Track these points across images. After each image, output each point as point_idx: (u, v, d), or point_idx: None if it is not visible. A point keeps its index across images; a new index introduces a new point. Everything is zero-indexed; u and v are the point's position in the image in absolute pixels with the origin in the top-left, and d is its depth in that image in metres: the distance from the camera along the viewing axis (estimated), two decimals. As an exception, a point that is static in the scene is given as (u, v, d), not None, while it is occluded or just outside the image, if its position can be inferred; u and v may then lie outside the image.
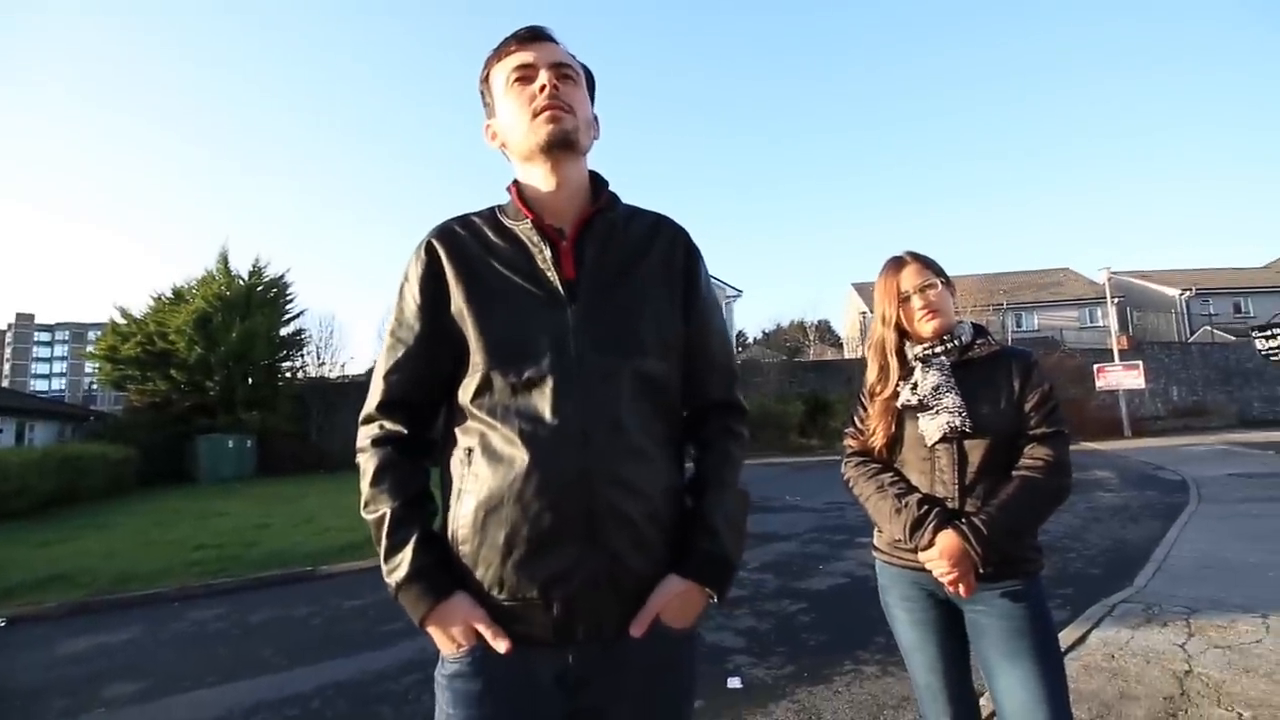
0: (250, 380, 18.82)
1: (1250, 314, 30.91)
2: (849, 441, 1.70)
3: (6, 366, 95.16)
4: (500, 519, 0.90)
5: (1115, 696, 2.74)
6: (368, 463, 1.00)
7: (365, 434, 1.02)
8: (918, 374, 1.55)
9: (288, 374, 20.74)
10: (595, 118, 1.09)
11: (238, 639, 4.42)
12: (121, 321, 19.73)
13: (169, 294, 20.11)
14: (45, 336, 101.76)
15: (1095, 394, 19.97)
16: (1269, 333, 14.15)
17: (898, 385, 1.56)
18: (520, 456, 0.90)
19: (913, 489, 1.51)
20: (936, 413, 1.48)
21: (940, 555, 1.39)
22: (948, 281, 1.59)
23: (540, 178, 1.02)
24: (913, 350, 1.58)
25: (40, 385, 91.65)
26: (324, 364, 22.55)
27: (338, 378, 22.47)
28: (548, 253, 0.98)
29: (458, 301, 0.98)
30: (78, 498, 12.16)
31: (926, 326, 1.55)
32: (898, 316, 1.58)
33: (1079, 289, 33.62)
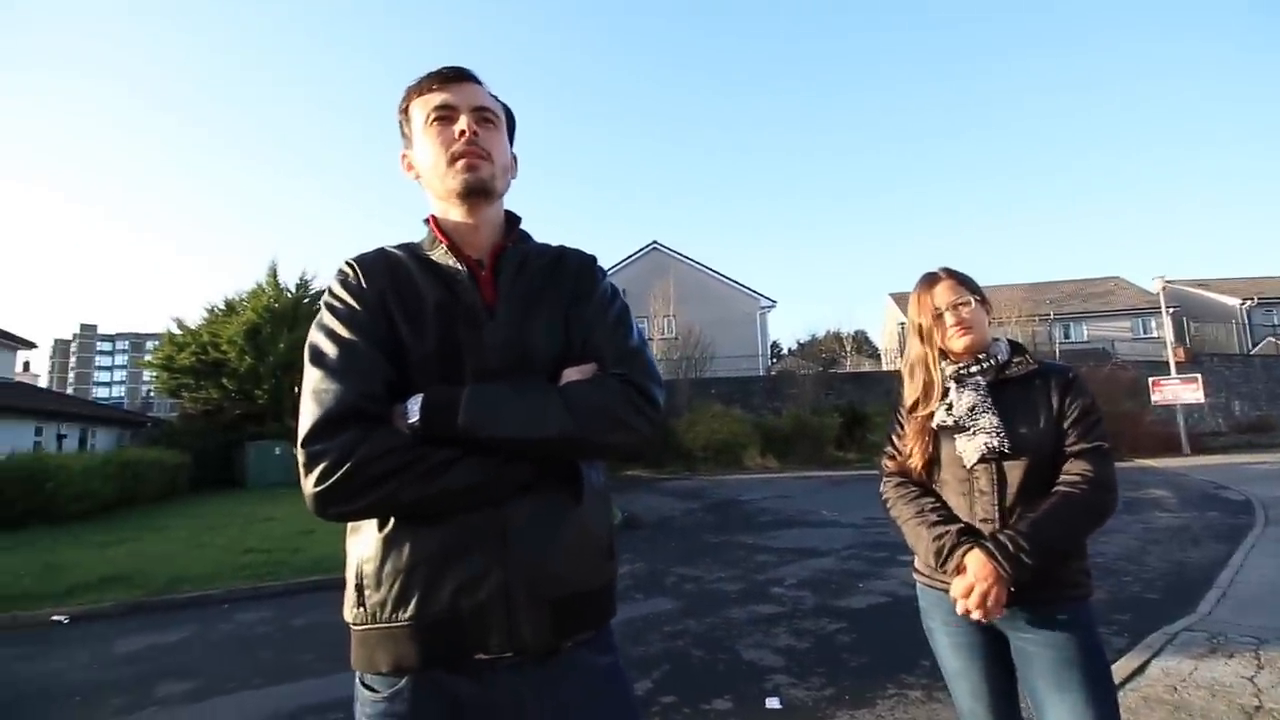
0: (297, 389, 19.34)
1: (1320, 324, 29.19)
2: (887, 462, 1.67)
3: (71, 375, 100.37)
4: (406, 533, 0.89)
5: (1180, 732, 2.59)
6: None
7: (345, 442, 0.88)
8: (953, 394, 1.52)
9: (331, 383, 21.27)
10: (514, 158, 1.13)
11: (282, 642, 4.53)
12: (177, 332, 20.66)
13: (221, 306, 20.98)
14: (106, 346, 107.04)
15: (1151, 409, 19.06)
16: (1342, 345, 13.33)
17: (934, 405, 1.54)
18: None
19: (953, 517, 1.48)
20: (974, 433, 1.45)
21: (968, 576, 1.36)
22: (983, 299, 1.56)
23: (458, 216, 1.04)
24: (947, 369, 1.55)
25: (102, 393, 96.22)
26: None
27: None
28: (467, 280, 1.01)
29: (390, 318, 0.97)
30: (135, 501, 12.69)
31: (958, 343, 1.52)
32: (931, 333, 1.56)
33: (1131, 299, 32.28)
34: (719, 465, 18.02)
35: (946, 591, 1.49)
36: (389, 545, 0.89)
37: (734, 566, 6.47)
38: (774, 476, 16.09)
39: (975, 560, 1.35)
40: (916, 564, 1.61)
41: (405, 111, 1.08)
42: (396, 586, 0.88)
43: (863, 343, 40.32)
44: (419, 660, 0.88)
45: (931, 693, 3.13)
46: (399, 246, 1.07)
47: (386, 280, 0.99)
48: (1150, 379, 19.36)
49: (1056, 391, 1.46)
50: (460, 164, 1.00)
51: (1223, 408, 21.66)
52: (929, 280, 1.60)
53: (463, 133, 1.00)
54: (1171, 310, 22.79)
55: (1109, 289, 34.22)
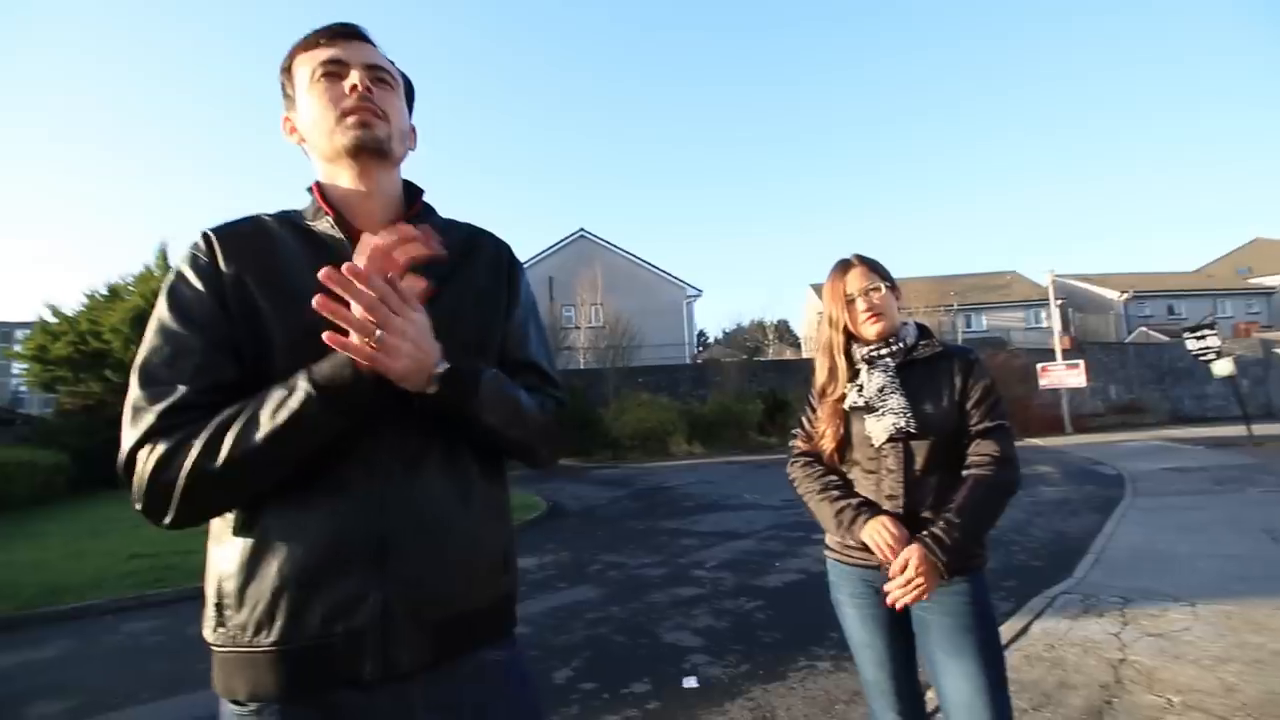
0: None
1: (1182, 316, 32.65)
2: (797, 443, 1.72)
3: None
4: (273, 548, 0.80)
5: (1055, 685, 2.84)
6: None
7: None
8: (863, 376, 1.58)
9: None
10: (413, 129, 1.03)
11: (175, 653, 4.21)
12: (52, 320, 18.64)
13: (104, 291, 19.11)
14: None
15: (1039, 392, 20.77)
16: (1199, 334, 14.91)
17: (845, 387, 1.59)
18: (312, 478, 0.81)
19: (854, 492, 1.55)
20: (882, 414, 1.51)
21: (877, 533, 1.42)
22: (893, 285, 1.62)
23: (347, 181, 0.94)
24: (859, 352, 1.61)
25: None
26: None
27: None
28: (350, 252, 0.87)
29: (247, 302, 0.85)
30: (4, 506, 11.44)
31: (870, 329, 1.58)
32: (843, 318, 1.62)
33: (1025, 291, 34.96)
34: (646, 453, 18.21)
35: (855, 566, 1.56)
36: (254, 560, 0.80)
37: (658, 552, 6.55)
38: (700, 462, 16.41)
39: (913, 552, 1.38)
40: (827, 540, 1.66)
41: (288, 71, 0.96)
42: (261, 608, 0.79)
43: (785, 331, 41.65)
44: (279, 690, 0.79)
45: (839, 663, 3.29)
46: (277, 215, 0.95)
47: (250, 257, 0.87)
48: (1039, 365, 21.06)
49: (959, 372, 1.54)
50: (351, 120, 0.90)
51: (1101, 391, 23.79)
52: (842, 267, 1.64)
53: (354, 88, 0.90)
54: (1059, 302, 24.77)
55: (1006, 282, 36.89)
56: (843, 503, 1.52)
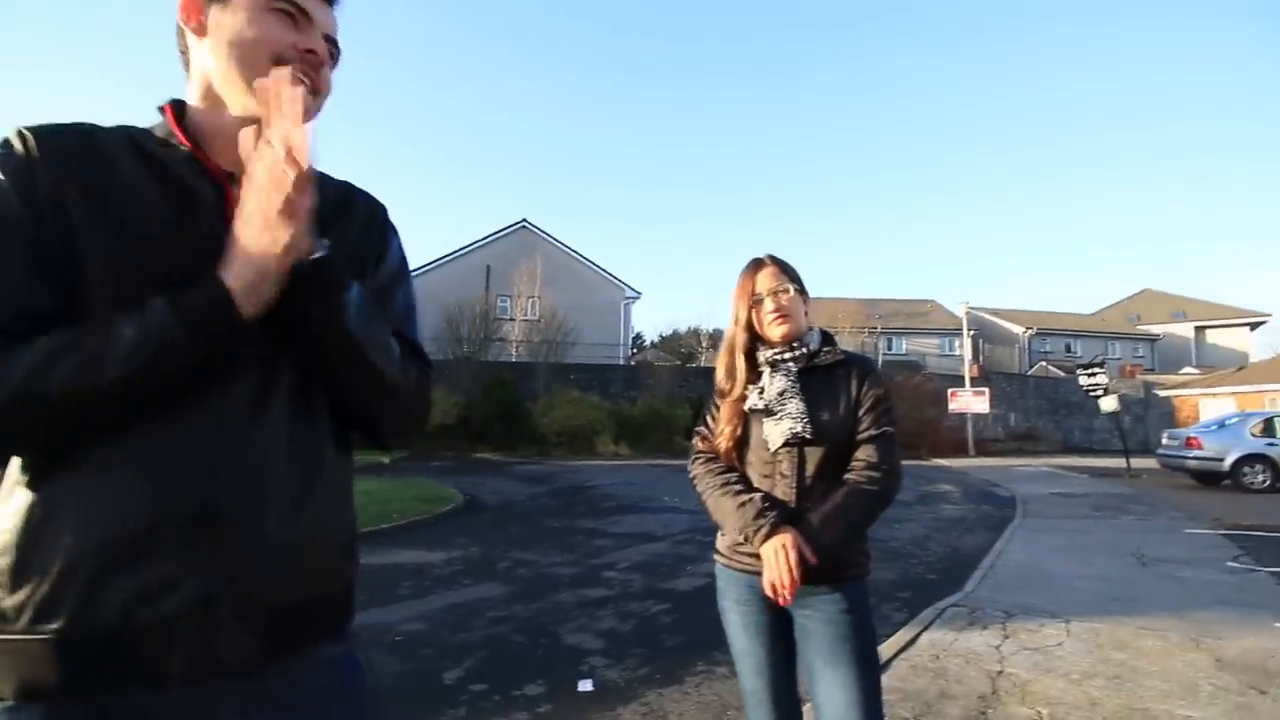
0: None
1: (1078, 354, 35.35)
2: (698, 442, 1.69)
3: None
4: (68, 514, 0.66)
5: (936, 695, 2.93)
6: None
7: None
8: (765, 378, 1.56)
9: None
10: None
11: None
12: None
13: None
14: None
15: (948, 415, 22.02)
16: (1091, 371, 16.23)
17: (746, 389, 1.57)
18: (124, 436, 0.68)
19: (754, 489, 1.52)
20: (780, 418, 1.49)
21: (776, 553, 1.39)
22: (802, 290, 1.61)
23: (225, 109, 0.79)
24: (763, 355, 1.59)
25: None
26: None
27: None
28: (208, 192, 0.77)
29: (64, 223, 0.69)
30: None
31: (775, 330, 1.56)
32: (749, 318, 1.60)
33: (942, 320, 37.01)
34: (572, 451, 18.03)
35: (742, 572, 1.53)
36: (41, 530, 0.66)
37: (571, 551, 6.44)
38: (625, 463, 16.39)
39: (782, 542, 1.38)
40: (717, 544, 1.64)
41: None
42: (45, 588, 0.65)
43: (718, 340, 42.36)
44: (58, 687, 0.66)
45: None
46: (115, 129, 0.78)
47: (75, 170, 0.71)
48: (950, 390, 22.32)
49: (856, 380, 1.54)
50: (287, 71, 0.75)
51: (1002, 418, 25.44)
52: (754, 266, 1.62)
53: (311, 52, 0.80)
54: (971, 333, 26.36)
55: (926, 310, 38.96)
56: (745, 498, 1.48)
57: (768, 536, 1.41)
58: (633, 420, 19.57)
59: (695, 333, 37.79)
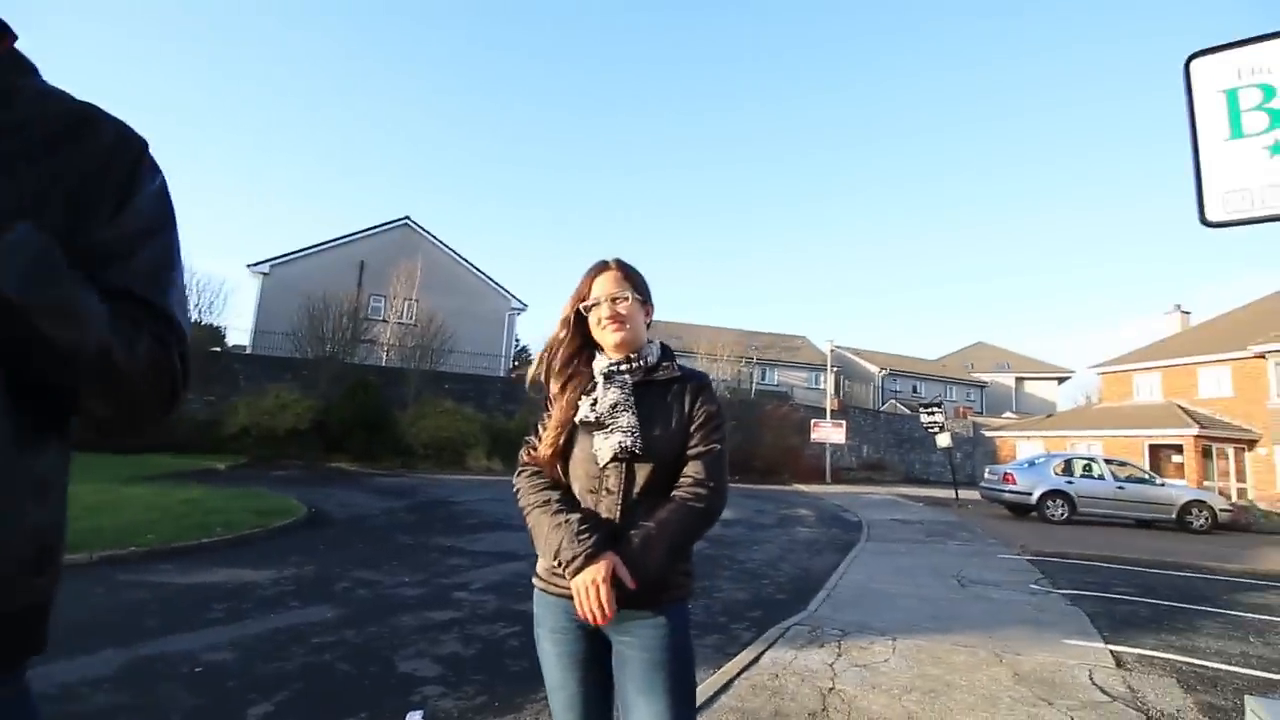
0: None
1: (922, 394, 39.29)
2: (524, 453, 1.57)
3: None
4: None
5: (770, 714, 2.98)
6: None
7: None
8: (599, 389, 1.48)
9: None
10: None
11: None
12: None
13: None
14: None
15: (809, 444, 23.51)
16: (930, 410, 18.02)
17: (578, 399, 1.49)
18: None
19: (575, 510, 1.42)
20: (611, 431, 1.42)
21: (586, 587, 1.30)
22: (645, 300, 1.55)
23: None
24: (598, 365, 1.52)
25: None
26: None
27: None
28: None
29: None
30: None
31: (610, 337, 1.50)
32: (575, 319, 1.53)
33: (810, 355, 39.78)
34: (440, 464, 17.17)
35: (560, 597, 1.43)
36: None
37: (421, 570, 6.02)
38: (496, 479, 15.81)
39: (600, 567, 1.31)
40: (537, 568, 1.52)
41: None
42: None
43: (602, 360, 42.68)
44: None
45: (579, 695, 3.17)
46: None
47: None
48: (813, 420, 23.86)
49: (689, 395, 1.49)
50: None
51: (856, 449, 27.58)
52: (598, 268, 1.55)
53: None
54: (835, 369, 28.47)
55: (797, 345, 41.69)
56: (562, 519, 1.38)
57: (580, 568, 1.32)
58: (508, 434, 18.97)
59: (580, 350, 37.79)
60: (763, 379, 36.86)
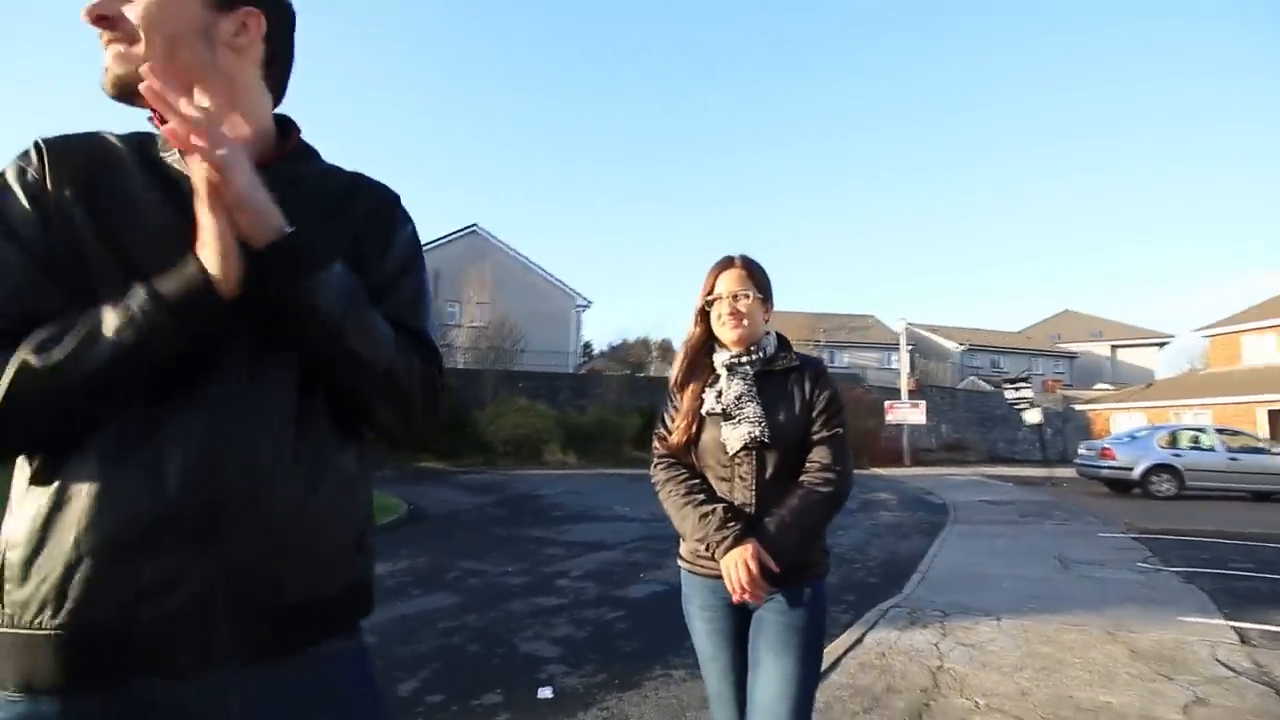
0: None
1: (1004, 370, 37.40)
2: (657, 444, 1.68)
3: None
4: (76, 508, 0.67)
5: (883, 690, 3.07)
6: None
7: None
8: (723, 381, 1.58)
9: None
10: (287, 59, 0.97)
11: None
12: None
13: None
14: None
15: (885, 426, 22.89)
16: (1016, 385, 17.23)
17: (703, 391, 1.59)
18: (130, 434, 0.71)
19: (718, 498, 1.53)
20: (739, 422, 1.51)
21: (736, 565, 1.41)
22: (766, 297, 1.63)
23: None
24: (720, 358, 1.61)
25: None
26: None
27: None
28: None
29: (73, 232, 0.73)
30: None
31: (729, 333, 1.58)
32: (704, 314, 1.62)
33: (881, 335, 38.50)
34: (519, 459, 17.82)
35: (706, 578, 1.55)
36: (48, 527, 0.67)
37: (521, 560, 6.39)
38: (573, 473, 16.32)
39: (744, 552, 1.41)
40: (681, 550, 1.64)
41: None
42: (50, 583, 0.66)
43: (668, 350, 42.71)
44: (60, 680, 0.67)
45: (693, 671, 3.35)
46: (126, 136, 0.82)
47: (85, 181, 0.75)
48: (887, 402, 23.21)
49: (808, 381, 1.57)
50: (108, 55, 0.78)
51: (935, 429, 26.63)
52: (723, 264, 1.63)
53: (101, 19, 0.78)
54: (908, 348, 27.53)
55: (867, 325, 40.45)
56: (708, 508, 1.50)
57: (729, 549, 1.43)
58: (581, 429, 19.49)
59: (645, 342, 38.06)
60: (832, 362, 36.06)
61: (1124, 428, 20.04)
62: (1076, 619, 4.30)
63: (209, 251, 0.71)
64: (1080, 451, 14.77)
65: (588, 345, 33.49)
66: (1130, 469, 12.87)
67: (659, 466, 1.65)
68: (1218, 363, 25.41)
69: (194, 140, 0.68)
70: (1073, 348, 43.28)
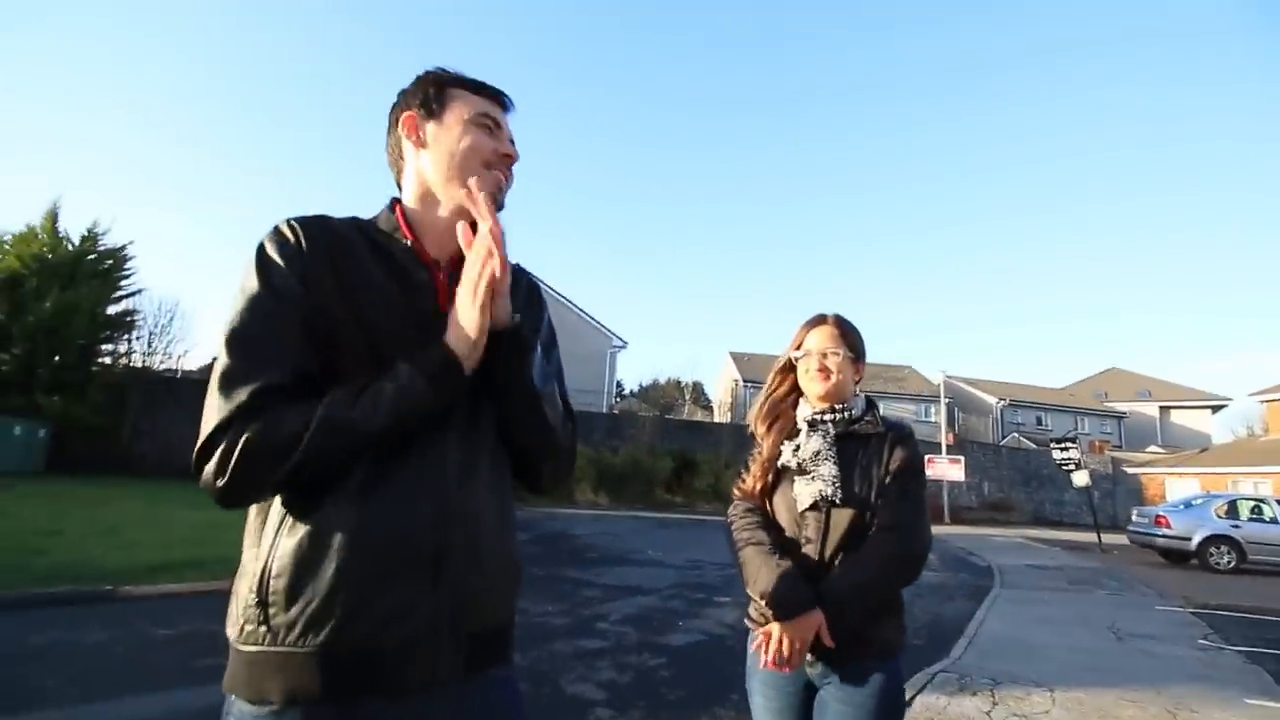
0: (59, 359, 16.21)
1: (1048, 427, 36.24)
2: (737, 487, 1.64)
3: None
4: (329, 549, 0.80)
5: (936, 757, 3.04)
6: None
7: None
8: (803, 436, 1.54)
9: (107, 359, 18.12)
10: None
11: (15, 663, 3.70)
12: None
13: (-26, 244, 17.06)
14: None
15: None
16: (1064, 445, 16.70)
17: (781, 444, 1.57)
18: (376, 482, 0.84)
19: (785, 553, 1.47)
20: (812, 479, 1.47)
21: (789, 634, 1.36)
22: (857, 357, 1.60)
23: (443, 213, 0.99)
24: (803, 413, 1.58)
25: None
26: (155, 352, 19.71)
27: (167, 371, 19.71)
28: (424, 277, 0.95)
29: (323, 301, 0.86)
30: None
31: (815, 386, 1.56)
32: (789, 366, 1.63)
33: (918, 385, 37.77)
34: (552, 498, 17.89)
35: None
36: (310, 558, 0.80)
37: (560, 601, 6.44)
38: (604, 513, 16.31)
39: (807, 620, 1.35)
40: (751, 612, 1.54)
41: (439, 88, 1.01)
42: (314, 607, 0.78)
43: (700, 393, 42.66)
44: (319, 693, 0.79)
45: (741, 725, 3.37)
46: (345, 220, 0.96)
47: (327, 256, 0.88)
48: (926, 456, 22.68)
49: (889, 445, 1.52)
50: (491, 175, 0.98)
51: (976, 487, 25.82)
52: (815, 321, 1.63)
53: (508, 156, 1.01)
54: (947, 401, 27.00)
55: (903, 375, 39.71)
56: (781, 568, 1.42)
57: (783, 618, 1.37)
58: (614, 469, 19.54)
59: (676, 384, 38.13)
60: (867, 412, 35.41)
61: (1178, 494, 19.17)
62: (1133, 695, 4.16)
63: (464, 334, 0.88)
64: (1133, 518, 14.17)
65: (620, 385, 33.77)
66: (1187, 538, 12.31)
67: (737, 508, 1.62)
68: (1277, 429, 24.23)
69: (495, 247, 0.88)
70: (1120, 407, 41.66)
